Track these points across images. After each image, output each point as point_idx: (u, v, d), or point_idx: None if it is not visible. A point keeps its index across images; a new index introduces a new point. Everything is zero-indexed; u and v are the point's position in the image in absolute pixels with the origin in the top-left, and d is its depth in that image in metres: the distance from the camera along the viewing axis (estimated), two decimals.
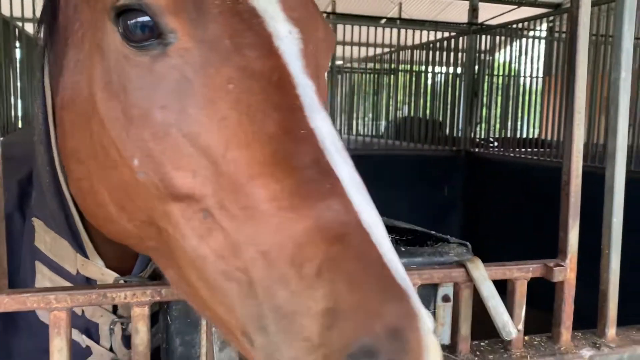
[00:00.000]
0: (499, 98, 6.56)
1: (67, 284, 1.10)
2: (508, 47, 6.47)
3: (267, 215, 0.68)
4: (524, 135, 6.38)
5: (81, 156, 0.93)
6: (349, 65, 8.47)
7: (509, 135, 6.15)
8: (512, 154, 5.77)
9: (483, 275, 1.01)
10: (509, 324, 0.99)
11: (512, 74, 6.38)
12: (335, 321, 0.61)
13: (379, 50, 7.77)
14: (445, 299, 1.11)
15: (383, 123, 7.55)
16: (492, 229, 5.57)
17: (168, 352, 0.99)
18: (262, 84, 0.75)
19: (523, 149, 5.88)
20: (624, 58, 1.09)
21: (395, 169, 5.65)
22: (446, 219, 6.09)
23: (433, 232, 1.30)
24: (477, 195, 6.04)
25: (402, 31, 6.99)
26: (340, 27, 6.87)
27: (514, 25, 6.07)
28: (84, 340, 1.13)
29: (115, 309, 1.08)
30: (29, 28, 5.65)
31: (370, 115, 7.55)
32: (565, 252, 1.10)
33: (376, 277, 0.64)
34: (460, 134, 6.59)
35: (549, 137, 5.58)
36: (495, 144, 6.53)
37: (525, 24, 5.99)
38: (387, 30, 7.02)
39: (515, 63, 6.30)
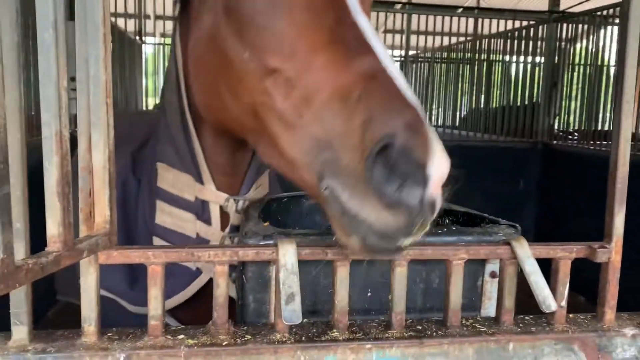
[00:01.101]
0: (580, 88, 6.33)
1: (185, 214, 1.53)
2: (591, 36, 6.22)
3: (325, 70, 1.03)
4: (606, 128, 6.13)
5: (210, 70, 1.32)
6: (423, 55, 8.42)
7: (590, 127, 5.93)
8: (592, 147, 5.58)
9: (527, 253, 1.10)
10: (549, 298, 1.07)
11: (596, 63, 6.13)
12: (369, 126, 0.91)
13: (454, 40, 7.70)
14: (492, 275, 1.20)
15: (459, 113, 7.48)
16: (569, 223, 5.43)
17: (243, 307, 1.15)
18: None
19: (604, 142, 5.67)
20: None
21: (469, 160, 5.61)
22: (521, 212, 5.99)
23: (486, 215, 1.39)
24: (554, 189, 5.89)
25: (480, 20, 6.89)
26: (415, 17, 6.87)
27: (598, 13, 5.83)
28: (194, 263, 1.52)
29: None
30: (120, 23, 6.10)
31: (446, 106, 7.50)
32: (611, 236, 1.15)
33: (396, 99, 0.95)
34: (538, 126, 6.44)
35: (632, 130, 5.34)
36: (576, 135, 6.32)
37: (610, 11, 5.73)
38: (464, 19, 6.94)
39: (599, 52, 6.05)
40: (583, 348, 1.13)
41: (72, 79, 0.86)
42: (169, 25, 7.63)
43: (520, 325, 1.15)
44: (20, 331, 0.96)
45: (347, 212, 0.94)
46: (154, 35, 7.38)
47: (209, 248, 1.02)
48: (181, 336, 1.03)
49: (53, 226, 0.81)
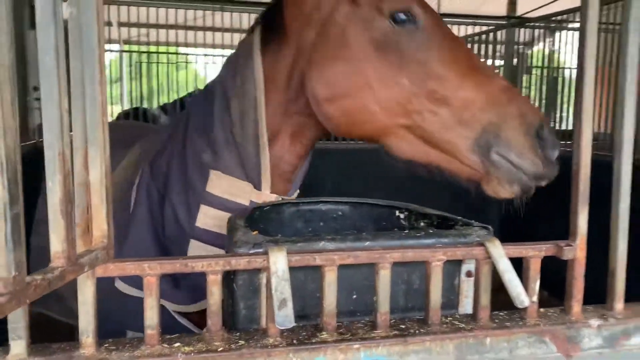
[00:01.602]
0: (538, 90, 6.56)
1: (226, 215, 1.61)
2: (547, 40, 6.46)
3: (478, 87, 1.56)
4: (563, 127, 6.36)
5: (348, 90, 1.64)
6: None
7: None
8: None
9: (500, 253, 1.17)
10: (522, 294, 1.15)
11: (552, 66, 6.37)
12: (526, 116, 1.52)
13: None
14: (468, 274, 1.28)
15: None
16: (533, 223, 5.61)
17: (234, 314, 1.20)
18: (459, 44, 1.65)
19: (564, 142, 5.90)
20: (629, 63, 1.23)
21: None
22: (486, 209, 6.15)
23: (460, 217, 1.47)
24: None
25: None
26: None
27: (554, 18, 6.07)
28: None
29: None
30: None
31: None
32: (576, 234, 1.24)
33: (530, 102, 1.58)
34: None
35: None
36: None
37: (565, 16, 5.98)
38: None
39: (555, 55, 6.29)
40: (554, 340, 1.22)
41: (35, 89, 0.90)
42: (134, 32, 7.56)
43: (496, 320, 1.22)
44: (18, 345, 0.98)
45: (514, 165, 1.51)
46: (118, 42, 7.30)
47: (203, 258, 1.06)
48: (177, 344, 1.07)
49: (57, 243, 0.84)
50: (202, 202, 1.76)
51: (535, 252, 1.22)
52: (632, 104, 1.26)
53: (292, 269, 1.09)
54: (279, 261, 1.06)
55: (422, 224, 1.61)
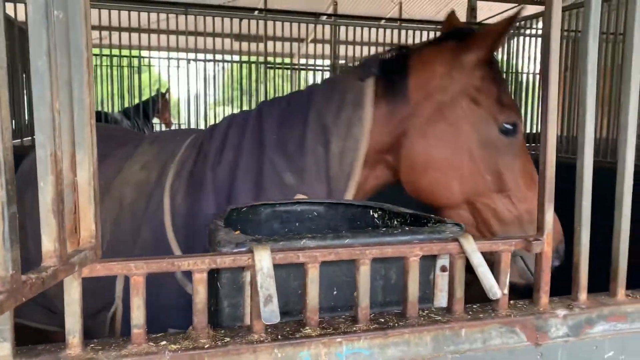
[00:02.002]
0: None
1: None
2: (505, 45, 6.66)
3: (534, 195, 1.84)
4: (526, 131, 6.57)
5: (442, 166, 1.97)
6: (351, 65, 8.67)
7: None
8: None
9: (473, 248, 1.23)
10: (495, 287, 1.21)
11: (511, 71, 6.58)
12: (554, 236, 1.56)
13: (380, 50, 7.98)
14: (443, 269, 1.33)
15: None
16: None
17: (217, 313, 1.22)
18: (529, 159, 2.09)
19: (527, 144, 6.07)
20: (590, 67, 1.32)
21: None
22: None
23: (432, 215, 1.53)
24: None
25: (403, 31, 7.20)
26: (342, 28, 7.08)
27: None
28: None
29: None
30: None
31: None
32: (543, 229, 1.32)
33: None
34: None
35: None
36: None
37: (522, 22, 6.19)
38: (389, 30, 7.23)
39: (512, 60, 6.50)
40: (523, 329, 1.28)
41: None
42: (94, 34, 7.42)
43: (470, 312, 1.28)
44: (4, 348, 0.98)
45: (528, 269, 1.97)
46: None
47: (189, 257, 1.08)
48: (164, 342, 1.08)
49: (49, 242, 0.85)
50: None
51: (505, 247, 1.28)
52: (592, 106, 1.34)
53: (274, 267, 1.12)
54: (263, 259, 1.09)
55: (395, 222, 1.67)
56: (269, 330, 1.15)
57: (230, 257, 1.11)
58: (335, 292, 1.28)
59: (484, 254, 1.24)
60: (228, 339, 1.11)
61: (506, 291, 1.30)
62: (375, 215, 1.72)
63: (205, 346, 1.08)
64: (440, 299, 1.35)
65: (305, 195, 1.92)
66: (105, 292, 1.89)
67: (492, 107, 1.97)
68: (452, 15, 2.45)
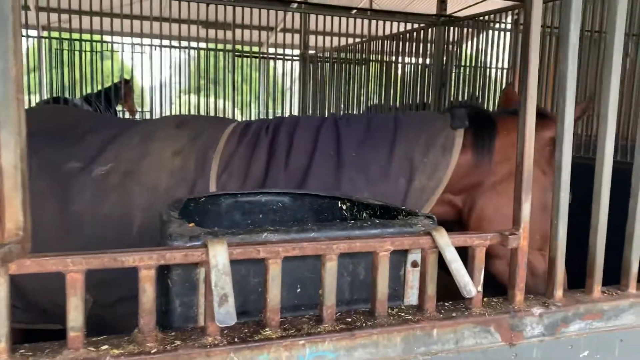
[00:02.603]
0: (467, 89, 6.74)
1: None
2: (475, 39, 6.64)
3: None
4: None
5: (506, 222, 1.60)
6: (320, 55, 8.56)
7: None
8: None
9: (447, 242, 1.15)
10: (470, 284, 1.13)
11: (479, 65, 6.56)
12: None
13: (350, 41, 7.89)
14: (414, 264, 1.25)
15: (355, 111, 7.67)
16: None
17: (168, 313, 1.10)
18: None
19: None
20: (571, 52, 1.25)
21: None
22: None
23: (404, 207, 1.44)
24: None
25: (373, 22, 7.12)
26: (312, 17, 6.96)
27: (481, 18, 6.25)
28: None
29: None
30: None
31: (342, 106, 7.68)
32: (520, 223, 1.25)
33: None
34: None
35: None
36: None
37: (492, 16, 6.17)
38: (359, 20, 7.14)
39: (482, 55, 6.48)
40: (498, 329, 1.21)
41: None
42: (53, 17, 7.12)
43: (442, 311, 1.20)
44: None
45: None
46: (36, 28, 6.85)
47: (134, 252, 0.96)
48: (105, 347, 0.97)
49: None
50: None
51: (480, 241, 1.21)
52: (572, 97, 1.27)
53: (232, 262, 1.02)
54: (218, 254, 0.98)
55: (365, 214, 1.58)
56: (225, 332, 1.04)
57: (181, 252, 0.99)
58: (298, 290, 1.19)
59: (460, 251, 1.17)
60: (179, 343, 1.00)
61: (480, 288, 1.22)
62: (344, 207, 1.63)
63: (152, 351, 0.96)
64: (411, 296, 1.27)
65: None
66: (122, 282, 1.81)
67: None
68: (509, 88, 2.69)
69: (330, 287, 1.08)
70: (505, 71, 6.76)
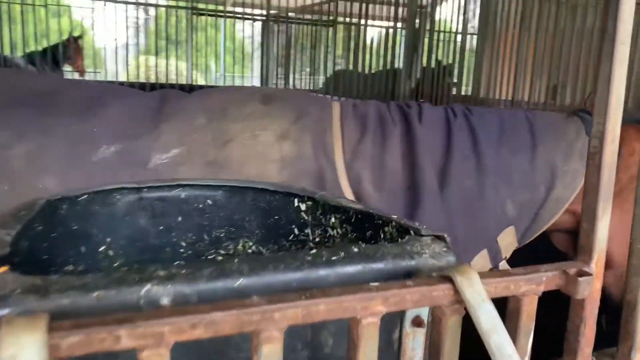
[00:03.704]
0: (441, 54, 6.28)
1: None
2: (449, 3, 6.15)
3: None
4: (462, 93, 6.15)
5: (623, 235, 1.39)
6: (284, 15, 7.93)
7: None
8: None
9: (480, 294, 0.65)
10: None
11: (453, 31, 6.11)
12: None
13: (317, 0, 7.29)
14: (417, 322, 0.74)
15: (321, 77, 7.13)
16: None
17: None
18: None
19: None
20: None
21: None
22: None
23: (395, 216, 0.93)
24: None
25: None
26: None
27: None
28: None
29: None
30: None
31: (308, 69, 7.14)
32: (590, 252, 0.75)
33: None
34: (399, 90, 6.28)
35: (481, 95, 5.36)
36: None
37: None
38: None
39: (454, 19, 6.01)
40: None
41: None
42: None
43: None
44: None
45: None
46: None
47: None
48: None
49: None
50: (485, 247, 1.77)
51: (530, 287, 0.71)
52: None
53: None
54: (22, 353, 0.45)
55: (333, 220, 1.06)
56: None
57: None
58: None
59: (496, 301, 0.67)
60: None
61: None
62: (303, 207, 1.11)
63: None
64: None
65: (514, 230, 1.81)
66: None
67: None
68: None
69: None
70: (474, 37, 6.29)
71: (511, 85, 4.69)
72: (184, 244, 1.14)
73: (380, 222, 0.96)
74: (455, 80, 6.13)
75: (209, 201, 1.14)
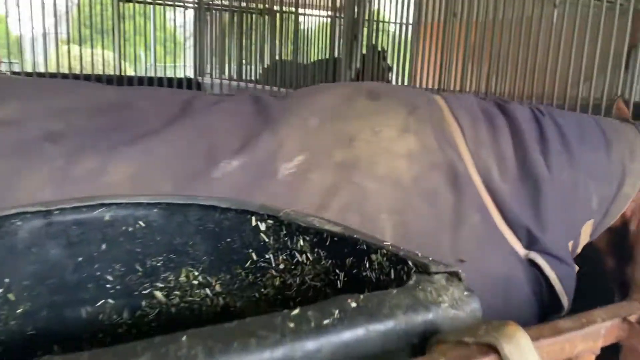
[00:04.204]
0: (374, 43, 6.17)
1: None
2: None
3: None
4: (400, 83, 6.06)
5: None
6: (218, 2, 7.58)
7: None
8: None
9: None
10: None
11: (391, 21, 6.01)
12: None
13: None
14: None
15: (255, 67, 6.87)
16: None
17: None
18: None
19: None
20: None
21: None
22: None
23: (387, 242, 0.73)
24: None
25: None
26: None
27: None
28: None
29: None
30: None
31: (243, 61, 6.85)
32: None
33: None
34: (340, 79, 6.13)
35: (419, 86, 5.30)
36: None
37: None
38: None
39: (392, 9, 5.91)
40: None
41: None
42: None
43: None
44: None
45: None
46: None
47: None
48: None
49: None
50: (572, 239, 1.77)
51: (587, 345, 0.53)
52: None
53: None
54: None
55: (301, 242, 0.85)
56: None
57: None
58: None
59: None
60: None
61: None
62: (262, 227, 0.89)
63: None
64: None
65: (593, 223, 1.81)
66: None
67: None
68: (620, 102, 2.43)
69: None
70: (409, 27, 6.20)
71: (444, 74, 4.60)
72: (110, 277, 0.90)
73: (365, 247, 0.76)
74: (391, 66, 6.04)
75: (141, 223, 0.90)
